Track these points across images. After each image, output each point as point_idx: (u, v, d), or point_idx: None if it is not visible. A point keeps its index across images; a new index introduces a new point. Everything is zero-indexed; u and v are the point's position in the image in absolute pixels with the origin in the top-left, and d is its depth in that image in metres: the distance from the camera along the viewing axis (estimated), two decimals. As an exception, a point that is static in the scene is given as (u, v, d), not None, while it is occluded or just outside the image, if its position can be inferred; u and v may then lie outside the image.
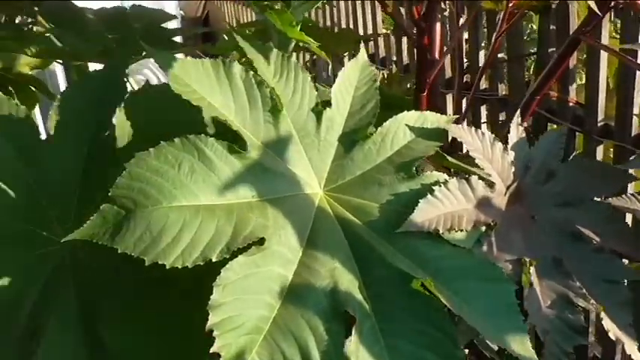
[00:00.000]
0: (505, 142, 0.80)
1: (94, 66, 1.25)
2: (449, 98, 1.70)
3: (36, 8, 1.04)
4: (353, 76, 0.76)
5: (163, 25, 1.20)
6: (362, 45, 0.85)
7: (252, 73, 0.66)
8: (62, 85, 2.57)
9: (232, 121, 0.63)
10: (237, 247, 0.57)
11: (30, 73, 1.54)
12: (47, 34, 0.86)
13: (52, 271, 0.73)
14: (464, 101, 1.46)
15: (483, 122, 1.67)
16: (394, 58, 2.10)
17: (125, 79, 0.81)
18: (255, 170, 0.63)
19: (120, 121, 0.75)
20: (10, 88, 1.56)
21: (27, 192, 0.77)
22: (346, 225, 0.68)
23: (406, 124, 0.74)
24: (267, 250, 0.59)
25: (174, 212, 0.56)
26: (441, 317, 0.64)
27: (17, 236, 0.75)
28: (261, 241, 0.59)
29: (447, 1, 1.37)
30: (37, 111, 2.14)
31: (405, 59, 2.02)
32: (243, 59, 1.45)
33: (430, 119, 0.77)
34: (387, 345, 0.62)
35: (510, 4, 1.14)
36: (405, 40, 1.97)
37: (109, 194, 0.56)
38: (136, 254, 0.54)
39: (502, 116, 1.63)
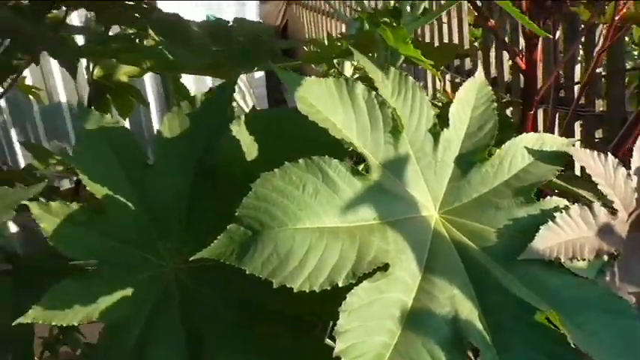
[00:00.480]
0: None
1: (186, 76, 1.28)
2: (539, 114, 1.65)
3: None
4: (471, 95, 0.74)
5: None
6: (480, 63, 0.83)
7: (374, 93, 0.65)
8: (149, 92, 2.64)
9: (356, 143, 0.62)
10: (363, 272, 0.56)
11: (127, 81, 1.59)
12: (159, 47, 0.88)
13: (159, 296, 0.74)
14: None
15: (577, 140, 1.62)
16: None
17: (232, 101, 0.81)
18: (375, 192, 0.62)
19: (230, 143, 0.75)
20: (108, 96, 1.62)
21: (135, 215, 0.78)
22: (462, 249, 0.66)
23: (525, 147, 0.72)
24: (391, 275, 0.58)
25: (300, 234, 0.56)
26: (562, 351, 0.62)
27: (126, 259, 0.76)
28: (385, 267, 0.58)
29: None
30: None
31: (493, 73, 1.97)
32: (332, 71, 1.45)
33: (548, 141, 0.74)
34: (508, 379, 0.60)
35: (617, 17, 1.09)
36: (492, 55, 1.92)
37: (236, 214, 0.56)
38: (264, 276, 0.54)
39: (598, 133, 1.57)
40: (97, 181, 0.78)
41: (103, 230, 0.77)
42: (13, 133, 2.57)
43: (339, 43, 1.18)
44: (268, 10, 4.61)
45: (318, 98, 0.62)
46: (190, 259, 0.56)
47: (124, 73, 1.58)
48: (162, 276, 0.75)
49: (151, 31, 0.96)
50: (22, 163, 2.57)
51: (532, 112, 0.94)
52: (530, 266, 0.65)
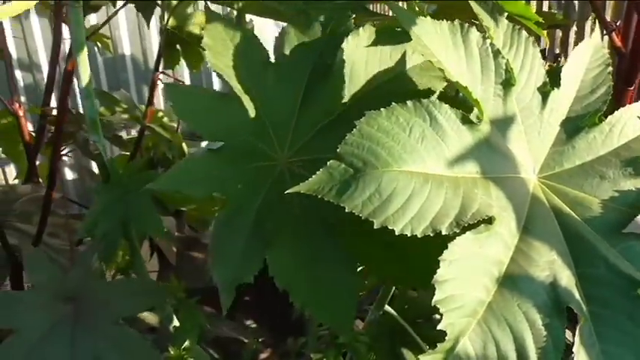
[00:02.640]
0: None
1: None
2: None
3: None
4: (586, 56, 0.70)
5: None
6: (597, 25, 0.79)
7: (488, 41, 0.63)
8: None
9: (471, 88, 0.60)
10: (466, 223, 0.54)
11: (199, 33, 1.58)
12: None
13: (272, 181, 0.78)
14: None
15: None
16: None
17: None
18: (481, 145, 0.59)
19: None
20: (178, 47, 1.62)
21: (253, 107, 0.82)
22: (561, 216, 0.63)
23: (638, 117, 0.68)
24: (493, 230, 0.56)
25: (404, 177, 0.54)
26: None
27: (244, 145, 0.80)
28: (489, 220, 0.56)
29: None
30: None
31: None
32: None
33: (660, 114, 0.70)
34: (602, 351, 0.57)
35: None
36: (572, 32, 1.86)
37: (338, 150, 0.55)
38: (364, 216, 0.52)
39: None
40: (221, 71, 0.82)
41: (226, 115, 0.82)
42: (76, 82, 2.61)
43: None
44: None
45: (431, 40, 0.60)
46: (286, 192, 0.55)
47: (197, 24, 1.58)
48: (275, 167, 0.79)
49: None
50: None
51: (632, 89, 0.90)
52: (635, 241, 0.62)
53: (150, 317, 1.20)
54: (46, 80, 1.46)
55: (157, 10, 1.50)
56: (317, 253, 0.73)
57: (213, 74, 2.71)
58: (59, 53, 1.39)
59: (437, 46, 0.60)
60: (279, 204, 0.76)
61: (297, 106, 0.82)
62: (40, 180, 1.55)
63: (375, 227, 0.52)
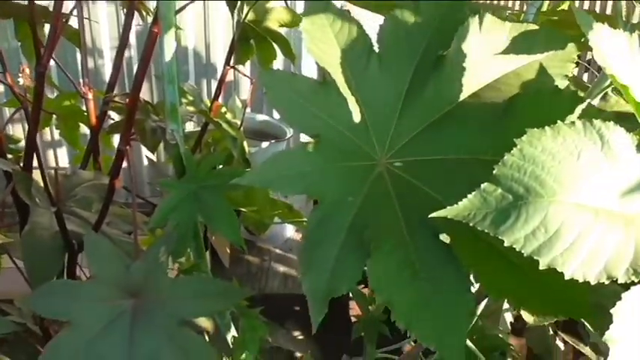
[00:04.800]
0: None
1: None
2: None
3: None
4: None
5: None
6: None
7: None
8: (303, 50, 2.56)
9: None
10: (644, 271, 0.44)
11: (277, 29, 1.51)
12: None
13: (371, 183, 0.71)
14: None
15: None
16: None
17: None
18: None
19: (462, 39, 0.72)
20: (252, 42, 1.54)
21: (352, 101, 0.74)
22: None
23: None
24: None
25: (574, 210, 0.44)
26: None
27: (341, 142, 0.73)
28: (670, 271, 0.46)
29: None
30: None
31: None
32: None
33: None
34: None
35: None
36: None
37: (494, 172, 0.46)
38: (527, 252, 0.43)
39: None
40: (320, 59, 0.75)
41: (323, 106, 0.74)
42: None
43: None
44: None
45: (607, 47, 0.50)
46: (430, 216, 0.46)
47: (276, 19, 1.50)
48: (374, 167, 0.72)
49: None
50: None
51: None
52: None
53: (204, 321, 1.13)
54: (112, 66, 1.40)
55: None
56: (425, 267, 0.64)
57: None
58: (128, 38, 1.32)
59: (612, 54, 0.50)
60: (380, 208, 0.69)
61: (400, 100, 0.74)
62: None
63: (540, 268, 0.43)
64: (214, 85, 2.45)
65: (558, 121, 0.47)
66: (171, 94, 0.83)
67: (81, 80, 1.38)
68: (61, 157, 2.78)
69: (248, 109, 2.49)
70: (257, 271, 1.47)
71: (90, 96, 1.36)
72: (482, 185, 0.45)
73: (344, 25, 0.76)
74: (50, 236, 1.14)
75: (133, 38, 2.47)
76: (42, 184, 1.18)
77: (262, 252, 1.51)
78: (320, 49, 0.73)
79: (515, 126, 0.67)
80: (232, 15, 1.24)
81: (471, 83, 0.72)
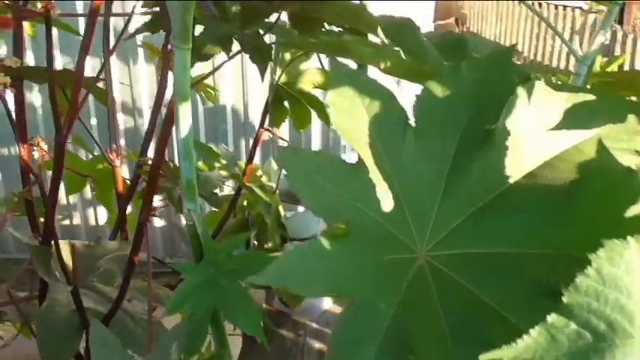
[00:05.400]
0: None
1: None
2: None
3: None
4: None
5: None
6: None
7: None
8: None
9: None
10: None
11: (311, 91, 1.43)
12: (396, 48, 0.69)
13: (411, 281, 0.61)
14: None
15: None
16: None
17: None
18: None
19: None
20: (286, 104, 1.47)
21: (389, 182, 0.64)
22: None
23: None
24: None
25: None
26: None
27: (373, 230, 0.63)
28: None
29: None
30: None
31: None
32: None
33: None
34: None
35: None
36: None
37: (564, 300, 0.35)
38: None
39: None
40: (348, 136, 0.65)
41: (353, 191, 0.64)
42: (174, 130, 2.53)
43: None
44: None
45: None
46: (481, 357, 0.35)
47: (310, 81, 1.43)
48: (413, 261, 0.61)
49: (379, 35, 0.78)
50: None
51: None
52: None
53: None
54: (146, 126, 1.35)
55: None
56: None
57: (314, 136, 2.57)
58: (162, 100, 1.26)
59: None
60: (420, 309, 0.59)
61: (442, 182, 0.64)
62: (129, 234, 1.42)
63: None
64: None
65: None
66: (188, 171, 0.75)
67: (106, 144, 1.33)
68: (101, 215, 2.75)
69: (284, 171, 2.42)
70: (291, 347, 1.36)
71: (117, 162, 1.30)
72: (550, 318, 0.34)
73: (375, 96, 0.66)
74: (67, 315, 1.06)
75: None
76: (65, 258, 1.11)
77: (297, 326, 1.41)
78: (348, 123, 0.64)
79: (581, 214, 0.57)
80: (262, 77, 1.17)
81: (525, 162, 0.62)
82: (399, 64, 0.68)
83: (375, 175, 0.63)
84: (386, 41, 0.80)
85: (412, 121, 0.66)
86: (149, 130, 1.32)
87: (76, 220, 2.69)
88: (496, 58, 0.67)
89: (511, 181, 0.62)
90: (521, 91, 0.63)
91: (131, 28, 1.15)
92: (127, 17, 1.28)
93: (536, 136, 0.63)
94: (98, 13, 0.96)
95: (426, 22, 3.33)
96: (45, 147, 0.96)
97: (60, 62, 2.43)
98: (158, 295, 1.16)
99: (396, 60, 0.68)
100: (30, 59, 2.43)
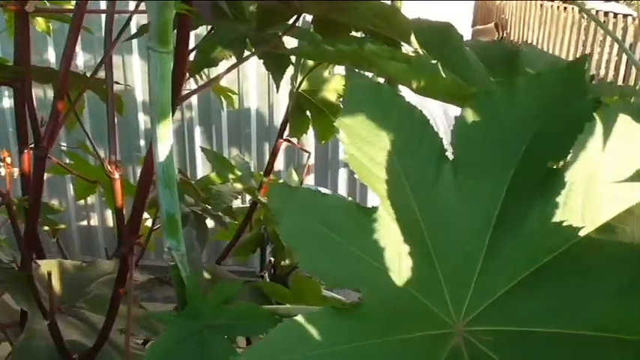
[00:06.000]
0: None
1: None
2: None
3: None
4: None
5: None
6: None
7: None
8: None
9: None
10: None
11: (334, 101, 1.28)
12: (433, 62, 0.53)
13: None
14: None
15: None
16: None
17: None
18: None
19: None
20: (308, 113, 1.32)
21: (418, 234, 0.49)
22: None
23: None
24: None
25: None
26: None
27: (396, 298, 0.48)
28: None
29: None
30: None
31: None
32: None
33: None
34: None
35: None
36: None
37: None
38: None
39: None
40: (364, 172, 0.50)
41: (368, 244, 0.48)
42: (197, 133, 2.40)
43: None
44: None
45: None
46: None
47: (333, 89, 1.28)
48: (449, 337, 0.47)
49: (413, 43, 0.63)
50: (200, 171, 2.39)
51: None
52: None
53: None
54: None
55: (289, 69, 1.21)
56: None
57: (341, 145, 2.42)
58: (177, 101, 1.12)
59: None
60: None
61: (487, 233, 0.49)
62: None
63: None
64: (277, 149, 2.24)
65: None
66: (168, 202, 0.60)
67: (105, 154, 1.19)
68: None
69: (311, 181, 2.26)
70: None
71: (117, 175, 1.16)
72: None
73: (403, 119, 0.51)
74: (46, 349, 0.93)
75: (194, 98, 2.32)
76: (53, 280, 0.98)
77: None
78: (365, 155, 0.49)
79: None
80: (277, 87, 1.02)
81: (601, 211, 0.47)
82: (437, 83, 0.52)
83: (399, 224, 0.47)
84: (420, 51, 0.64)
85: (450, 154, 0.50)
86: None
87: (94, 221, 2.58)
88: (563, 76, 0.51)
89: (581, 234, 0.47)
90: (597, 121, 0.47)
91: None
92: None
93: (618, 177, 0.47)
94: (84, 10, 0.82)
95: (463, 27, 3.15)
96: (9, 161, 0.82)
97: (81, 60, 2.33)
98: (153, 326, 1.02)
99: (433, 79, 0.52)
100: (51, 56, 2.34)
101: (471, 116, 0.51)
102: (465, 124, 0.51)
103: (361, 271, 0.46)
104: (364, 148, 0.49)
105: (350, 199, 0.48)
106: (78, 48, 2.31)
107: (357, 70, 0.57)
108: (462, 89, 0.53)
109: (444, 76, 0.55)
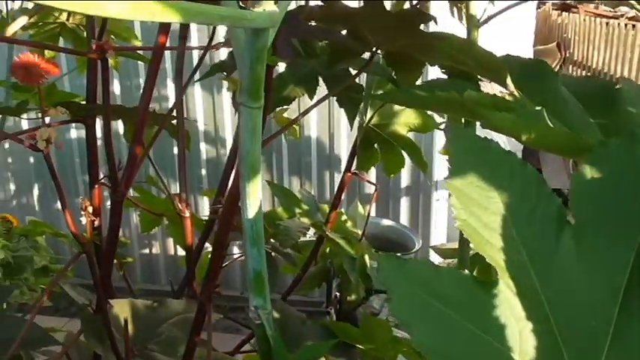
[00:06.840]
0: None
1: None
2: None
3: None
4: None
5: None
6: None
7: None
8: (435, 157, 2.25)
9: None
10: None
11: (406, 134, 1.24)
12: (538, 109, 0.48)
13: None
14: None
15: None
16: None
17: None
18: None
19: None
20: (376, 147, 1.29)
21: (544, 323, 0.43)
22: None
23: None
24: None
25: None
26: None
27: None
28: None
29: None
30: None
31: None
32: None
33: None
34: None
35: None
36: None
37: None
38: None
39: None
40: (478, 240, 0.45)
41: (483, 318, 0.43)
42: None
43: None
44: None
45: None
46: None
47: (404, 123, 1.23)
48: None
49: (509, 86, 0.58)
50: (266, 204, 2.37)
51: None
52: None
53: None
54: (225, 165, 1.19)
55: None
56: None
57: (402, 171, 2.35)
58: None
59: None
60: None
61: (615, 305, 0.43)
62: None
63: None
64: (338, 177, 2.21)
65: None
66: (256, 260, 0.57)
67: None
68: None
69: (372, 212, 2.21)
70: None
71: (187, 213, 1.14)
72: None
73: (516, 179, 0.46)
74: (121, 395, 0.91)
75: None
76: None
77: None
78: (479, 221, 0.44)
79: None
80: (351, 124, 0.98)
81: None
82: (550, 136, 0.47)
83: (520, 299, 0.43)
84: (516, 93, 0.59)
85: (571, 218, 0.45)
86: (227, 168, 1.16)
87: (155, 249, 2.60)
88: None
89: None
90: None
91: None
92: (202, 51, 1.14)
93: None
94: (163, 48, 0.80)
95: (525, 48, 3.06)
96: (90, 210, 0.81)
97: (117, 87, 2.35)
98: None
99: (544, 131, 0.47)
100: (116, 88, 2.37)
101: (589, 173, 0.46)
102: (583, 183, 0.46)
103: (480, 351, 0.41)
104: (477, 213, 0.44)
105: (466, 271, 0.44)
106: (141, 79, 2.34)
107: (458, 123, 0.53)
108: (575, 141, 0.48)
109: (551, 125, 0.50)
